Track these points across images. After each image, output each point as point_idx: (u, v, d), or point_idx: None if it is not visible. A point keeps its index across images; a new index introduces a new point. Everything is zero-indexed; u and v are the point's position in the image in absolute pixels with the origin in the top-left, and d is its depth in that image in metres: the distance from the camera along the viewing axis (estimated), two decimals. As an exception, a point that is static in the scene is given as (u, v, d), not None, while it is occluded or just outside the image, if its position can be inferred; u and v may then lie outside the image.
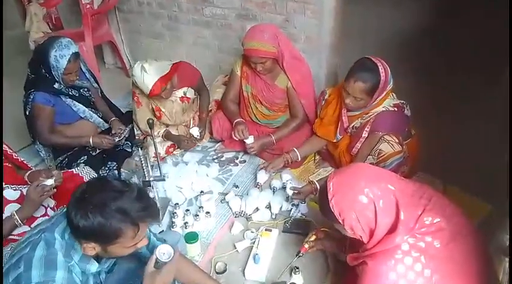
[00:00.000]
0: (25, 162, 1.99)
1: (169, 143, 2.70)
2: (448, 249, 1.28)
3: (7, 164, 1.85)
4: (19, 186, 1.81)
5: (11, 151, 1.91)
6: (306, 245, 1.81)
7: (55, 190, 1.72)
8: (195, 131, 2.65)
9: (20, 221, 1.66)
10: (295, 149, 2.39)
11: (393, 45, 3.36)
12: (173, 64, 2.46)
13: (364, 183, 1.32)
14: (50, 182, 1.69)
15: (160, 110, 2.61)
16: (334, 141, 2.32)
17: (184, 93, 2.66)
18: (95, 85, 2.63)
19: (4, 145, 1.87)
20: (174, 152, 2.74)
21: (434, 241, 1.28)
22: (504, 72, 1.72)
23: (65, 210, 1.23)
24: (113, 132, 2.52)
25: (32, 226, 1.68)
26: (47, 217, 1.73)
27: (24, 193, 1.76)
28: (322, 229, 1.84)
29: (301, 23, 2.74)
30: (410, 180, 1.44)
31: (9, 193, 1.76)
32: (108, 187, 1.18)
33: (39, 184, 1.67)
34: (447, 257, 1.27)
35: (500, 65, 1.80)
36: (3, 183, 1.75)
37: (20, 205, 1.72)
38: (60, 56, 2.20)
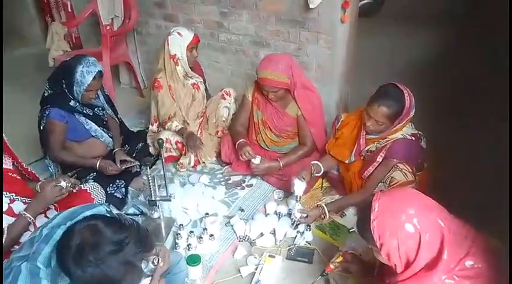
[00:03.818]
0: (36, 174, 2.01)
1: (179, 138, 2.76)
2: None
3: (18, 177, 1.86)
4: (28, 199, 1.81)
5: (22, 163, 1.95)
6: (332, 266, 1.76)
7: (67, 193, 1.75)
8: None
9: (32, 219, 1.66)
10: (316, 162, 2.35)
11: (406, 76, 3.40)
12: None
13: (414, 211, 1.25)
14: (64, 184, 1.73)
15: (171, 87, 2.76)
16: (347, 161, 2.31)
17: (196, 82, 2.86)
18: (109, 111, 2.66)
19: (16, 158, 1.90)
20: (181, 169, 2.78)
21: None
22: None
23: (44, 231, 1.22)
24: (117, 163, 2.48)
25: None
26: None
27: (36, 196, 1.77)
28: (350, 251, 1.80)
29: (314, 52, 2.79)
30: (453, 215, 1.37)
31: (18, 206, 1.75)
32: (104, 240, 1.11)
33: (56, 185, 1.70)
34: None
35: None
36: (15, 195, 1.76)
37: None
38: (87, 72, 2.27)
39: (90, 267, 1.08)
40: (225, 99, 2.95)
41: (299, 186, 2.19)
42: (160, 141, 2.18)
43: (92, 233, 1.11)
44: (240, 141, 2.55)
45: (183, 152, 2.77)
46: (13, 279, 1.13)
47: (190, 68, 2.78)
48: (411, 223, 1.24)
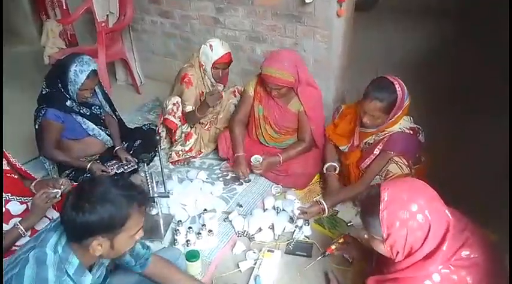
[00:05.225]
0: (31, 174, 2.00)
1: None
2: None
3: (14, 176, 1.85)
4: (25, 198, 1.81)
5: (17, 163, 1.93)
6: (333, 247, 1.78)
7: (60, 197, 1.72)
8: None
9: (24, 231, 1.65)
10: (330, 162, 2.38)
11: (402, 70, 3.41)
12: None
13: (424, 202, 1.24)
14: (59, 192, 1.71)
15: (203, 93, 2.75)
16: (341, 148, 2.35)
17: (220, 90, 2.80)
18: (107, 108, 2.66)
19: (11, 158, 1.89)
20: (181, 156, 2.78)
21: (467, 277, 1.22)
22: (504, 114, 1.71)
23: (53, 224, 1.24)
24: (122, 160, 2.55)
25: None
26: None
27: (30, 207, 1.76)
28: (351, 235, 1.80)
29: (311, 47, 2.79)
30: (451, 208, 1.36)
31: (15, 207, 1.75)
32: (101, 181, 1.23)
33: (44, 192, 1.67)
34: None
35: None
36: (10, 195, 1.75)
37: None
38: (80, 71, 2.26)
39: (92, 203, 1.14)
40: (235, 96, 2.93)
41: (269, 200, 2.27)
42: (157, 137, 2.18)
43: (89, 182, 1.26)
44: (239, 154, 2.56)
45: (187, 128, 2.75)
46: (20, 269, 1.14)
47: (217, 81, 2.75)
48: (423, 214, 1.22)
